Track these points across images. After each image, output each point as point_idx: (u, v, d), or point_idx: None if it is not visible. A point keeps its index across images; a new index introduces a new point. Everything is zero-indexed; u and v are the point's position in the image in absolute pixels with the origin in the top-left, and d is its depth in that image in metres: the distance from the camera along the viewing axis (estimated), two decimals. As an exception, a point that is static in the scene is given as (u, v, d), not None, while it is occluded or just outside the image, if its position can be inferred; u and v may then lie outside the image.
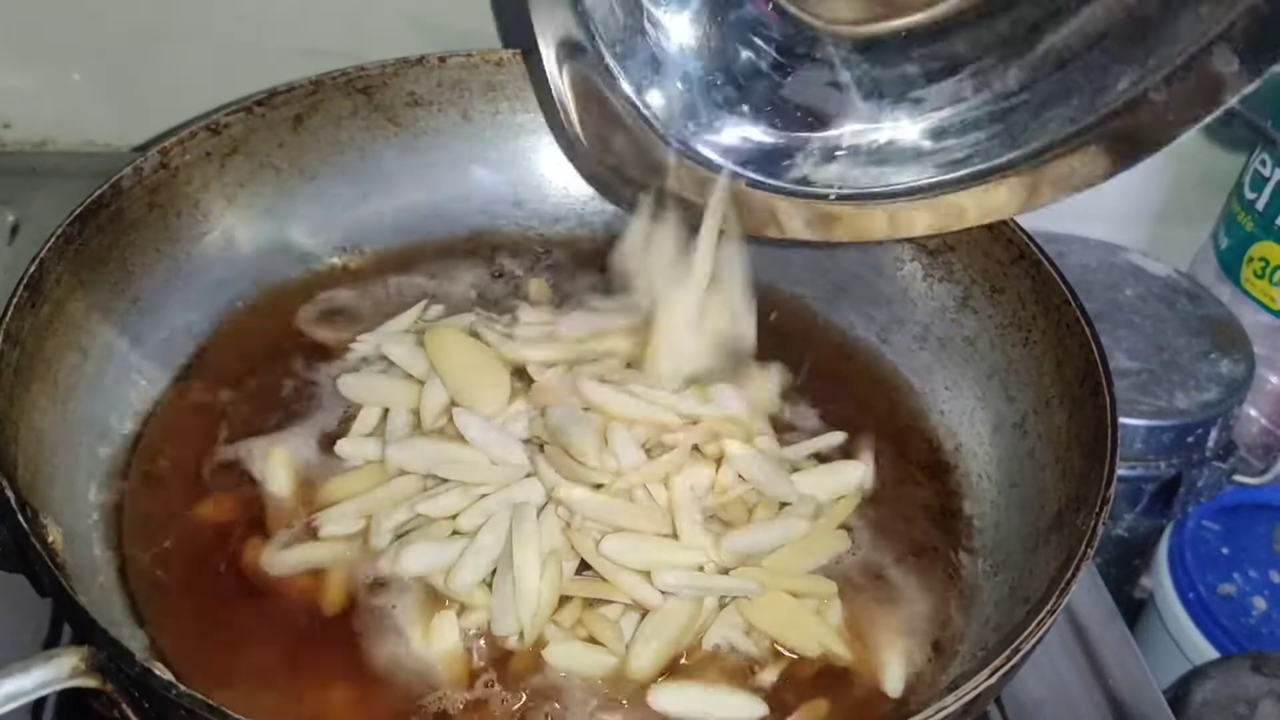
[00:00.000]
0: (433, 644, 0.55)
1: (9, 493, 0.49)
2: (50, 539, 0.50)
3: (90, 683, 0.44)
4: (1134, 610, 0.96)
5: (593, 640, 0.55)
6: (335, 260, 0.74)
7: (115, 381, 0.63)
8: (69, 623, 0.47)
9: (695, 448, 0.60)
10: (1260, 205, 0.93)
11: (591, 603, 0.56)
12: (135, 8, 0.86)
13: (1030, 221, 0.67)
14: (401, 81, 0.73)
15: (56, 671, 0.43)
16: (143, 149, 0.87)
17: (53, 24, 0.87)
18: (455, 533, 0.57)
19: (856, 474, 0.64)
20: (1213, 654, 0.86)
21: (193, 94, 0.84)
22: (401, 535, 0.58)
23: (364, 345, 0.67)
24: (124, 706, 0.44)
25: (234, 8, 0.86)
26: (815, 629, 0.57)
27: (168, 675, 0.43)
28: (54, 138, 0.93)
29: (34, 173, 0.91)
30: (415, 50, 0.74)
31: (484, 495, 0.58)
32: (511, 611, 0.54)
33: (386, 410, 0.63)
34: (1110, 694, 0.67)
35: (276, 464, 0.61)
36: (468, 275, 0.74)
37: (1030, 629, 0.49)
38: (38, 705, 0.57)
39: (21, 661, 0.43)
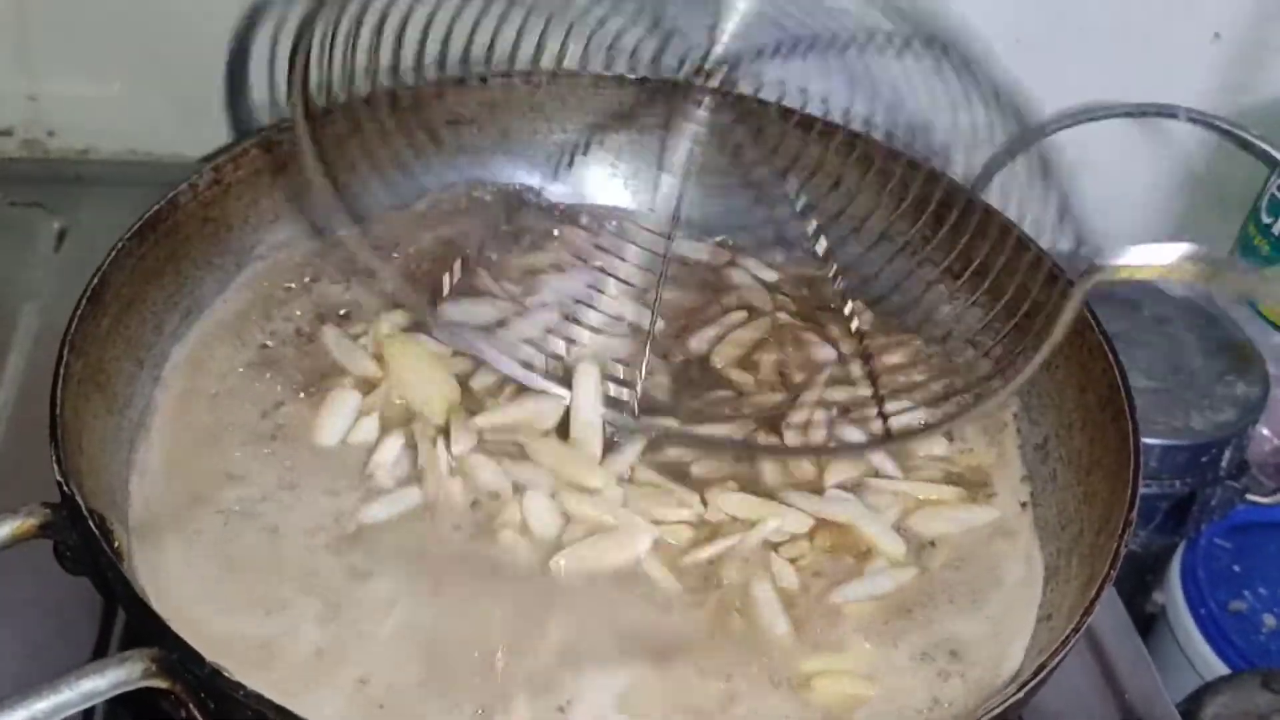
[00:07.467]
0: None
1: (79, 500, 0.50)
2: (116, 544, 0.52)
3: (161, 683, 0.45)
4: (1145, 624, 0.97)
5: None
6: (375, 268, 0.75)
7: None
8: (137, 624, 0.49)
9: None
10: (1276, 230, 0.94)
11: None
12: (175, 19, 0.87)
13: (1050, 243, 0.69)
14: (444, 101, 0.75)
15: (129, 672, 0.45)
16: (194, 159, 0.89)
17: (94, 34, 0.88)
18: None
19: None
20: (1222, 669, 0.87)
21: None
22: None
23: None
24: (190, 706, 0.46)
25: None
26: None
27: (234, 677, 0.45)
28: (96, 146, 0.94)
29: (79, 180, 0.92)
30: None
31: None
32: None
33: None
34: (1126, 707, 0.68)
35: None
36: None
37: (1056, 646, 0.51)
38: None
39: (96, 662, 0.45)
